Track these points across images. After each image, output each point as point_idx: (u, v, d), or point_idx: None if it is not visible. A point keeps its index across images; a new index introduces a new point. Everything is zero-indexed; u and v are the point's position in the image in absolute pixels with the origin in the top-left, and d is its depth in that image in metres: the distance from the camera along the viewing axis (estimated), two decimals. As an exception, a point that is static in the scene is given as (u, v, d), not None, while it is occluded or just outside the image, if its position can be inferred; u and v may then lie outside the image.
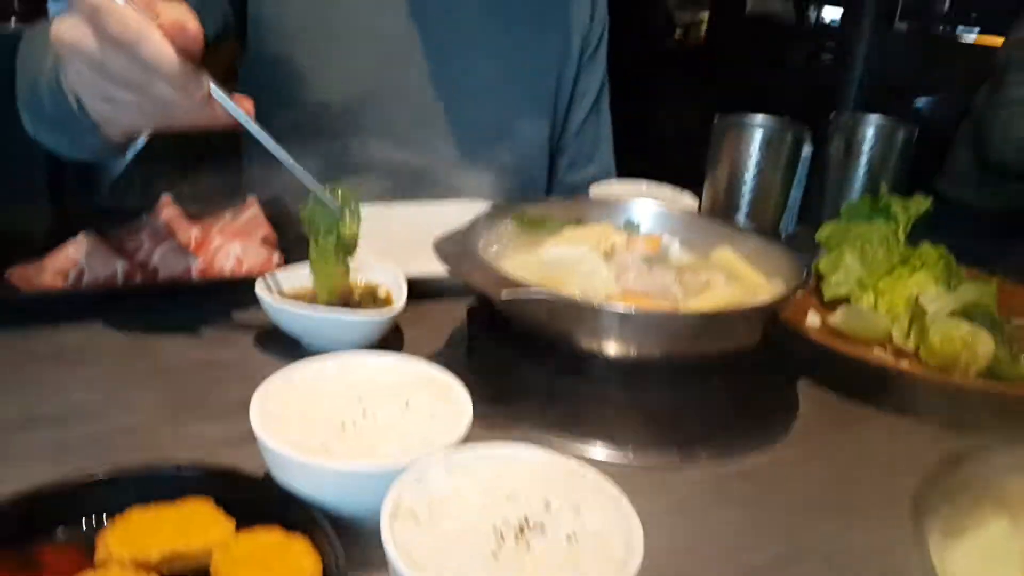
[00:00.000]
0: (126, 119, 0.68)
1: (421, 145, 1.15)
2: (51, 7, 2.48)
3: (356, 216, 0.74)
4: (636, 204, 0.89)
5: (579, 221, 0.87)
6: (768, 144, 0.95)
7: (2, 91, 0.90)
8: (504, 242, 0.80)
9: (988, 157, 1.98)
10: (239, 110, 0.65)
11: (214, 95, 0.64)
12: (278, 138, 0.68)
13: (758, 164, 0.96)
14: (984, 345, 0.79)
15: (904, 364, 0.82)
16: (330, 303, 0.75)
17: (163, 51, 0.59)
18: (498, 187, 1.09)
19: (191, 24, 0.60)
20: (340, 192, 0.73)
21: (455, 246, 0.71)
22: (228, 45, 1.10)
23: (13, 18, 2.81)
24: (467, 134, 1.19)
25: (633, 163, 1.36)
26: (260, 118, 0.70)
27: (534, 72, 1.24)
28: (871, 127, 1.05)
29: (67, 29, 0.60)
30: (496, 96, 1.19)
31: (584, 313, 0.64)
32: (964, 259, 0.97)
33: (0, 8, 2.81)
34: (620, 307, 0.64)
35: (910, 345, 0.85)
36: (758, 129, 0.95)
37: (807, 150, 1.01)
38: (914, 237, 0.99)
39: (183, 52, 0.60)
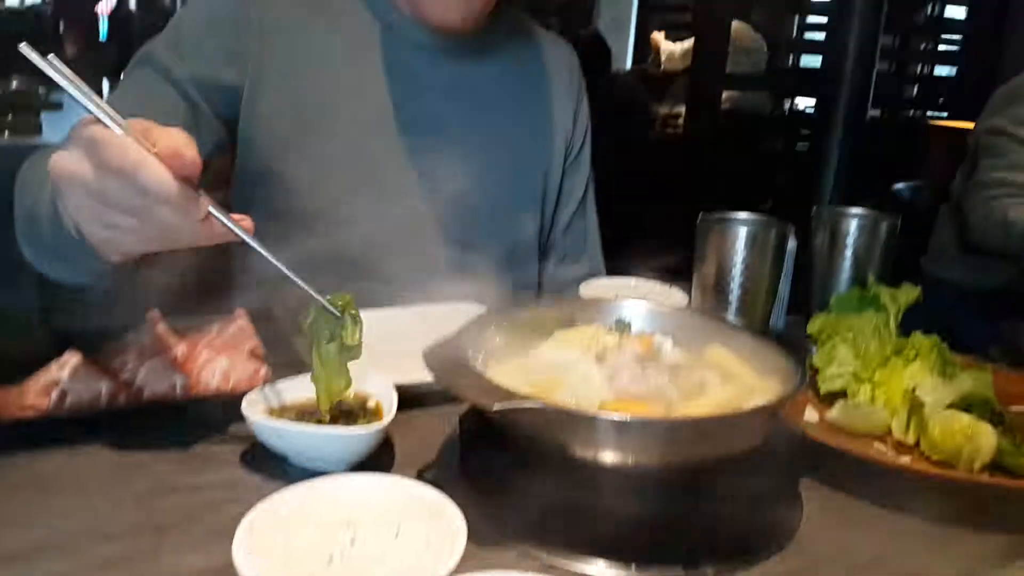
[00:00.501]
0: (127, 244, 0.69)
1: (411, 250, 1.16)
2: (47, 127, 2.53)
3: (358, 322, 0.74)
4: (626, 303, 0.89)
5: (570, 323, 0.87)
6: (753, 241, 0.96)
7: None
8: (494, 348, 0.79)
9: (970, 239, 2.01)
10: (239, 228, 0.66)
11: (213, 215, 0.65)
12: (269, 249, 0.69)
13: (744, 260, 0.96)
14: (986, 437, 0.78)
15: (906, 459, 0.80)
16: (331, 411, 0.74)
17: (161, 177, 0.60)
18: (489, 287, 1.09)
19: (188, 151, 0.62)
20: (341, 299, 0.73)
21: (445, 355, 0.70)
22: (222, 162, 1.12)
23: (7, 132, 2.86)
24: (457, 237, 1.19)
25: (621, 259, 1.37)
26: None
27: (520, 174, 1.26)
28: (854, 220, 1.06)
29: (66, 161, 0.62)
30: (484, 200, 1.21)
31: (578, 423, 0.63)
32: (956, 341, 0.97)
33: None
34: (615, 416, 0.62)
35: (910, 439, 0.84)
36: (742, 227, 0.96)
37: (792, 245, 1.02)
38: (905, 321, 0.99)
39: (181, 176, 0.61)
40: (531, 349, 0.81)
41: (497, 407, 0.60)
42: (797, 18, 6.48)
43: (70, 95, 0.62)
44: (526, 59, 1.28)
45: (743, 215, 0.99)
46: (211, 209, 0.64)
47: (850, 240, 1.06)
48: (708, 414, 0.67)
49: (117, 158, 0.60)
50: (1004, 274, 2.03)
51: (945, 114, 5.19)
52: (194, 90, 1.05)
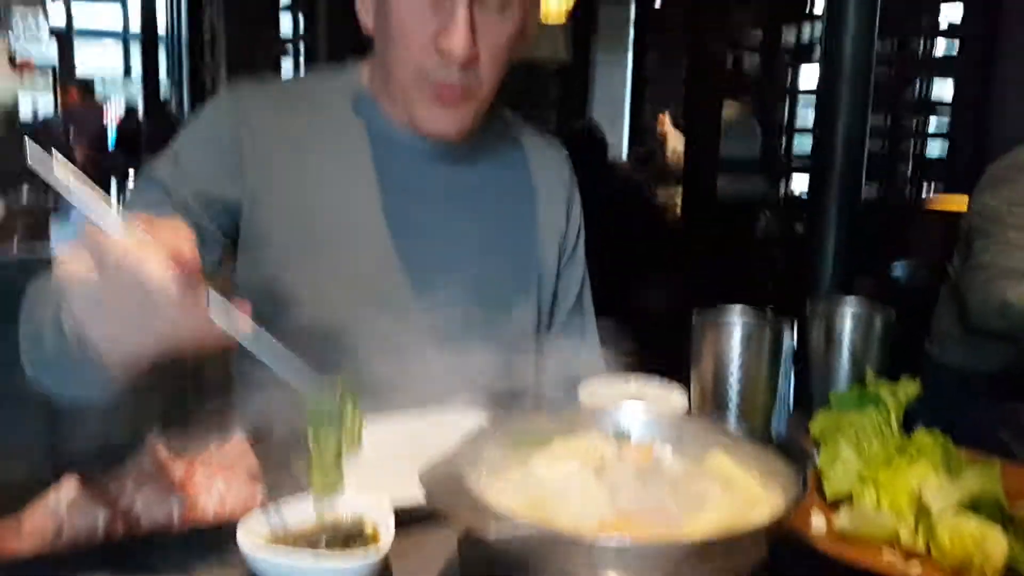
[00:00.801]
0: (131, 345, 0.71)
1: (409, 354, 1.16)
2: (53, 233, 2.59)
3: (357, 408, 0.75)
4: (625, 410, 0.89)
5: (569, 431, 0.86)
6: (749, 339, 0.96)
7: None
8: (492, 462, 0.79)
9: (971, 322, 2.00)
10: (237, 321, 0.69)
11: (212, 305, 0.68)
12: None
13: (741, 357, 0.96)
14: (996, 544, 0.76)
15: (917, 570, 0.78)
16: (329, 536, 0.73)
17: (162, 271, 0.63)
18: (487, 389, 1.09)
19: (186, 249, 0.65)
20: (340, 383, 0.74)
21: (441, 475, 0.70)
22: (225, 270, 1.15)
23: (15, 239, 2.92)
24: (454, 339, 1.20)
25: (622, 352, 1.37)
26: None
27: (516, 275, 1.28)
28: (848, 314, 1.07)
29: (70, 264, 0.66)
30: (481, 301, 1.22)
31: (578, 548, 0.62)
32: (964, 425, 0.96)
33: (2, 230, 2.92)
34: (615, 540, 0.62)
35: (919, 545, 0.82)
36: (736, 326, 0.97)
37: (788, 343, 1.02)
38: (911, 407, 0.98)
39: (181, 272, 0.64)
40: (529, 462, 0.81)
41: (494, 537, 0.60)
42: (788, 100, 6.66)
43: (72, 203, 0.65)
44: (517, 160, 1.31)
45: (737, 311, 1.00)
46: (210, 297, 0.67)
47: (846, 336, 1.07)
48: (708, 536, 0.66)
49: (119, 256, 0.63)
50: (1007, 356, 2.02)
51: (942, 186, 5.27)
52: (197, 207, 1.07)
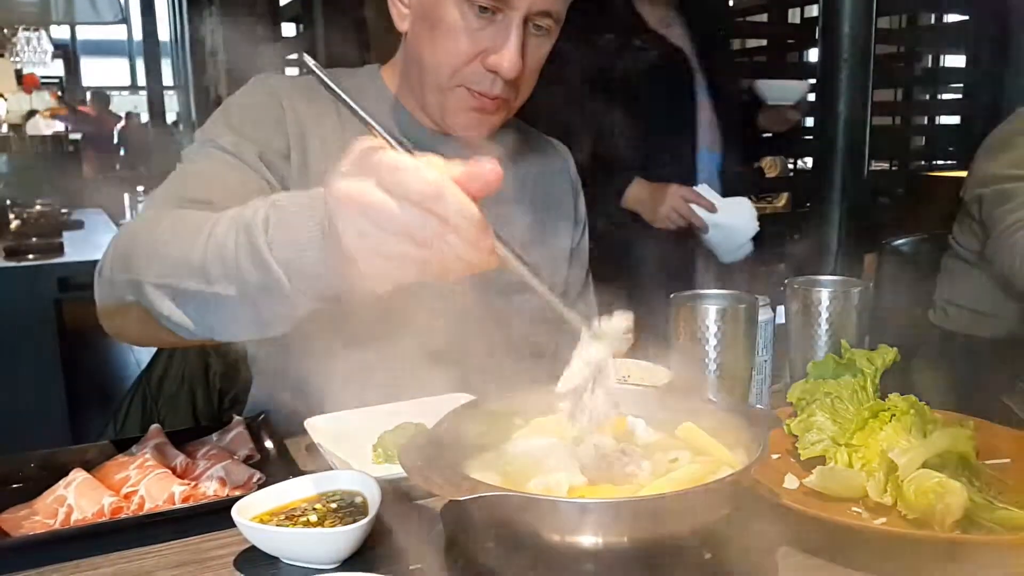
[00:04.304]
0: (405, 275, 0.63)
1: (422, 345, 1.18)
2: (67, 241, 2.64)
3: None
4: (601, 387, 0.92)
5: (548, 410, 0.90)
6: (723, 317, 1.00)
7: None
8: (472, 439, 0.83)
9: (1014, 286, 1.96)
10: (522, 264, 0.66)
11: (497, 248, 0.64)
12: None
13: (716, 336, 1.00)
14: (955, 495, 0.80)
15: (881, 521, 0.82)
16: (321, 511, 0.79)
17: (463, 205, 0.59)
18: (495, 378, 1.12)
19: (487, 165, 0.61)
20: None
21: (420, 450, 0.74)
22: None
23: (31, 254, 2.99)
24: (470, 327, 1.24)
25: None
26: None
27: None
28: (825, 290, 1.10)
29: (353, 189, 0.60)
30: (499, 290, 1.26)
31: (544, 509, 0.66)
32: (970, 392, 0.97)
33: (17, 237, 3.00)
34: (575, 501, 0.66)
35: (888, 500, 0.86)
36: (711, 304, 1.00)
37: (764, 316, 1.06)
38: (917, 377, 1.00)
39: (476, 200, 0.61)
40: (508, 438, 0.85)
41: (462, 497, 0.64)
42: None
43: (353, 110, 0.64)
44: (531, 160, 1.36)
45: (711, 292, 1.03)
46: (495, 239, 0.63)
47: (823, 309, 1.10)
48: (663, 493, 0.70)
49: (416, 184, 0.58)
50: (1010, 323, 2.03)
51: (953, 163, 5.22)
52: (261, 165, 1.08)
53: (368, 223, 0.60)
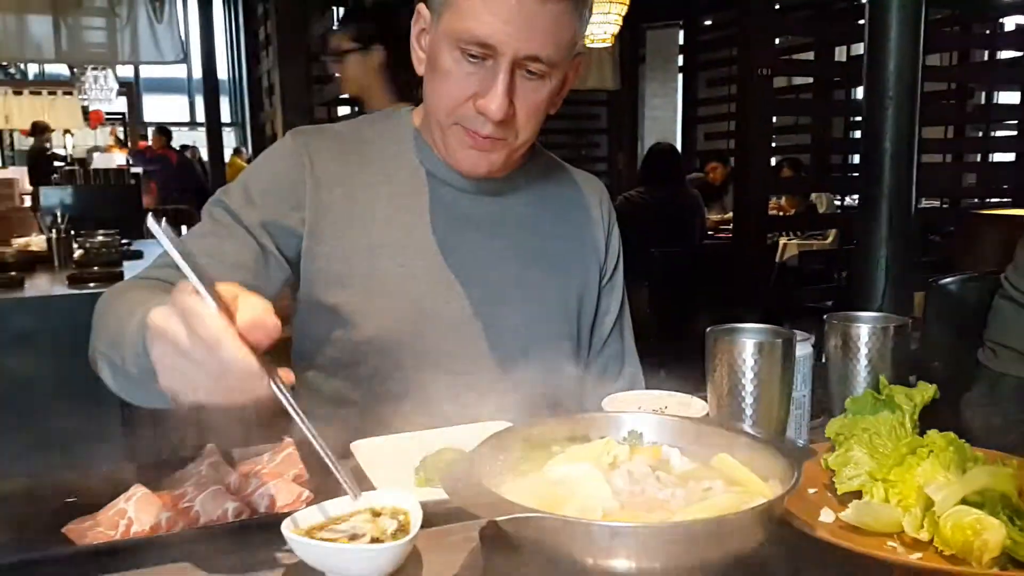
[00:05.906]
0: (193, 396, 0.78)
1: (454, 372, 1.24)
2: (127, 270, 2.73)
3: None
4: (638, 417, 0.95)
5: (584, 437, 0.93)
6: (760, 351, 1.01)
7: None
8: (510, 464, 0.86)
9: None
10: (295, 408, 0.76)
11: (274, 390, 0.75)
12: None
13: (754, 371, 1.01)
14: (993, 532, 0.80)
15: (917, 557, 0.82)
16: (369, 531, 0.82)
17: (236, 355, 0.71)
18: (529, 408, 1.16)
19: (268, 320, 0.73)
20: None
21: (460, 474, 0.77)
22: (283, 296, 1.26)
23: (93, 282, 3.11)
24: (498, 359, 1.28)
25: (667, 368, 1.44)
26: (307, 356, 0.99)
27: (558, 298, 1.36)
28: (864, 326, 1.11)
29: (162, 319, 0.74)
30: (525, 323, 1.31)
31: (578, 532, 0.69)
32: (1015, 433, 0.96)
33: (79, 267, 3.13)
34: (610, 524, 0.68)
35: (924, 536, 0.86)
36: (748, 339, 1.02)
37: (802, 351, 1.07)
38: (966, 418, 0.99)
39: (255, 348, 0.72)
40: (545, 464, 0.87)
41: (499, 519, 0.67)
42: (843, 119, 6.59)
43: (175, 261, 0.72)
44: (560, 194, 1.41)
45: (748, 326, 1.05)
46: (272, 384, 0.74)
47: (862, 344, 1.10)
48: (696, 520, 0.72)
49: (203, 331, 0.70)
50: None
51: (1008, 200, 5.13)
52: (263, 233, 1.21)
53: (168, 349, 0.74)
